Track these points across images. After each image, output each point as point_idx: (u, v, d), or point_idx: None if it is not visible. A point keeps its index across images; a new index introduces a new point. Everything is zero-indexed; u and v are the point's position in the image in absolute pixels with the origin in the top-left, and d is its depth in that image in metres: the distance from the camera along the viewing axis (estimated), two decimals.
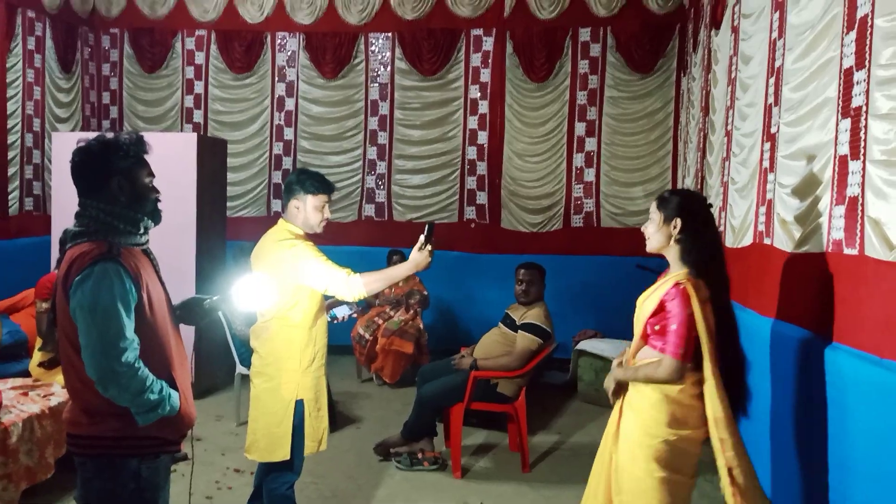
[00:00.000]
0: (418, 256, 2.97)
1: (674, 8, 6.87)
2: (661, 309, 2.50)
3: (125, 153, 2.13)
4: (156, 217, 2.21)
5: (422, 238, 3.00)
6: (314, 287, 3.00)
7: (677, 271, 2.53)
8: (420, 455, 4.39)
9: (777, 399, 2.97)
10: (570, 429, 5.27)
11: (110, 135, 2.16)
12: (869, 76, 2.30)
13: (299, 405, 3.04)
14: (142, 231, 2.19)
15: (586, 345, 6.04)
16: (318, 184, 3.11)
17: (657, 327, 2.51)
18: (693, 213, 2.54)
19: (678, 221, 2.53)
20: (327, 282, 2.96)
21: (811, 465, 2.56)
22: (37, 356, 4.30)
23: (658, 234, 2.58)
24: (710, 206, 2.66)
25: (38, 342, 4.31)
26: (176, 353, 2.22)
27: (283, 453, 3.04)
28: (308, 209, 3.10)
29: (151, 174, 2.21)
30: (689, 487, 2.56)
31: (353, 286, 2.93)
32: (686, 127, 6.42)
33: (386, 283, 3.11)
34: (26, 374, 4.41)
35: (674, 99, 6.96)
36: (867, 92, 2.30)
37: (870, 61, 2.29)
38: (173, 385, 2.16)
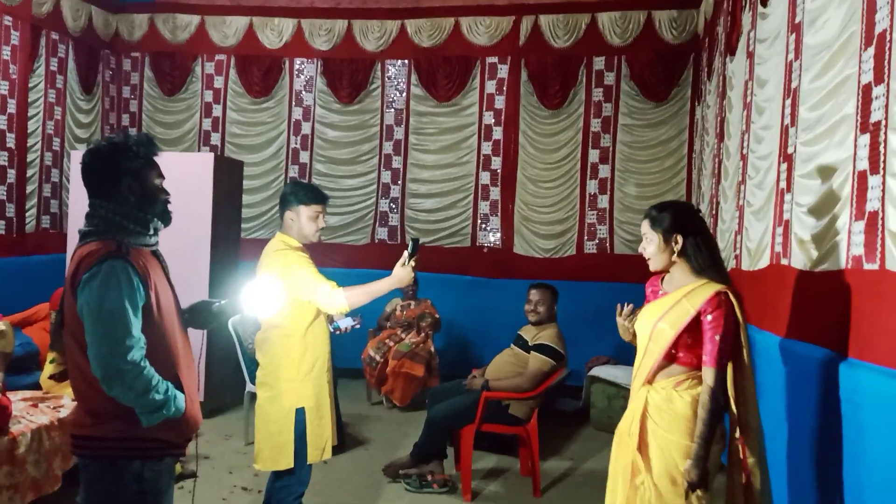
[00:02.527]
0: (401, 272, 3.04)
1: (688, 38, 6.92)
2: (695, 323, 2.43)
3: (134, 154, 2.14)
4: (165, 218, 2.22)
5: (406, 254, 3.06)
6: (300, 297, 3.04)
7: (690, 282, 2.50)
8: (429, 477, 4.33)
9: (794, 419, 2.91)
10: (582, 455, 5.19)
11: (119, 136, 2.17)
12: (888, 90, 2.29)
13: (300, 413, 3.06)
14: (151, 232, 2.18)
15: (599, 371, 5.98)
16: (311, 194, 3.18)
17: (689, 341, 2.45)
18: (690, 225, 2.53)
19: (678, 237, 2.51)
20: (312, 293, 3.02)
21: (828, 485, 2.49)
22: (48, 368, 4.30)
23: (661, 255, 2.55)
24: (699, 210, 2.66)
25: (50, 355, 4.32)
26: (183, 356, 2.21)
27: (286, 462, 3.06)
28: (302, 220, 3.16)
29: (161, 175, 2.22)
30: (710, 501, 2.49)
31: (336, 299, 2.99)
32: (700, 154, 6.42)
33: (368, 298, 3.12)
34: (37, 386, 4.41)
35: (688, 127, 6.97)
36: (886, 106, 2.30)
37: (888, 76, 2.29)
38: (179, 387, 2.14)
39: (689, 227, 2.52)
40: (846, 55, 2.69)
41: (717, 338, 2.38)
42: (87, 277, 2.00)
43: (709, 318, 2.41)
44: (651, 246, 2.56)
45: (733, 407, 2.46)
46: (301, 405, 3.06)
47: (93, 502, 2.11)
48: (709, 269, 2.49)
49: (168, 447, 2.15)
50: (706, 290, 2.45)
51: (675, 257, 2.52)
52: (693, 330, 2.44)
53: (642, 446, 2.50)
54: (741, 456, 2.43)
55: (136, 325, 2.02)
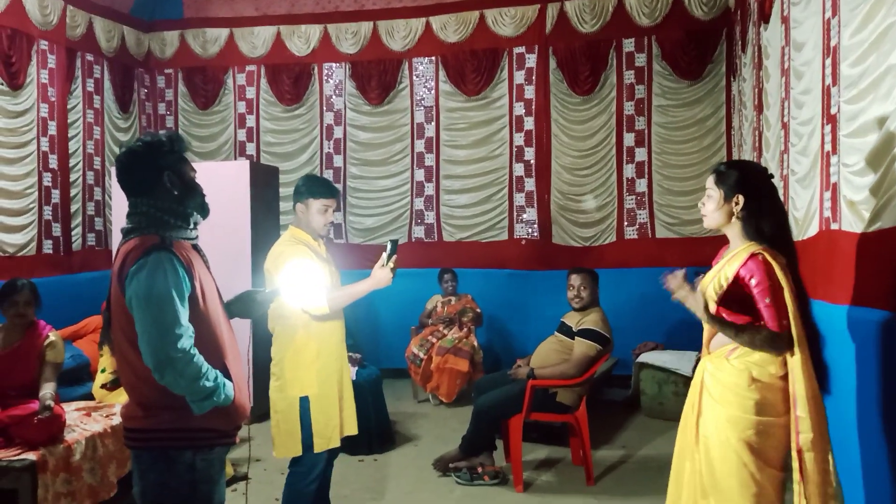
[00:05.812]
0: (380, 273, 3.08)
1: (718, 13, 6.76)
2: (737, 287, 2.36)
3: (170, 149, 2.20)
4: (204, 211, 2.27)
5: (384, 255, 3.09)
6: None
7: (740, 246, 2.42)
8: (480, 469, 4.29)
9: (863, 391, 2.77)
10: (634, 443, 5.09)
11: (150, 136, 2.23)
12: None
13: (304, 401, 3.07)
14: (191, 226, 2.24)
15: (648, 357, 5.87)
16: (322, 188, 3.23)
17: (736, 307, 2.37)
18: (755, 187, 2.43)
19: (740, 198, 2.42)
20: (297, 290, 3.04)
21: None
22: (100, 378, 4.39)
23: (718, 213, 2.47)
24: (772, 175, 2.56)
25: (101, 365, 4.40)
26: (229, 345, 2.24)
27: (296, 449, 3.09)
28: (312, 212, 3.20)
29: (194, 170, 2.28)
30: (780, 481, 2.38)
31: (317, 299, 3.03)
32: (739, 130, 6.26)
33: (348, 300, 3.15)
34: (90, 396, 4.50)
35: (725, 104, 6.80)
36: None
37: None
38: (227, 375, 2.17)
39: (754, 189, 2.43)
40: (888, 3, 2.56)
41: (768, 300, 2.29)
42: (135, 269, 2.05)
43: (752, 282, 2.32)
44: (710, 202, 2.49)
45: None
46: (305, 393, 3.08)
47: (147, 493, 2.14)
48: (761, 235, 2.40)
49: (218, 436, 2.18)
50: (743, 253, 2.38)
51: (733, 219, 2.44)
52: (737, 295, 2.35)
53: (699, 421, 2.43)
54: (795, 432, 2.31)
55: (185, 314, 2.07)
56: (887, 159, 2.56)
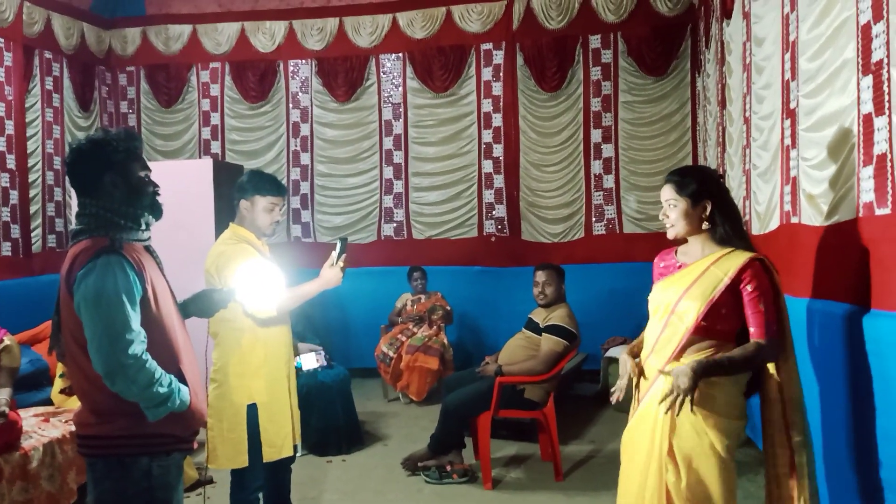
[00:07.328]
0: (329, 273, 2.95)
1: (683, 9, 6.80)
2: (729, 292, 2.29)
3: (115, 148, 2.10)
4: (156, 211, 2.18)
5: (333, 254, 2.97)
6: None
7: (714, 251, 2.37)
8: (449, 468, 4.27)
9: (821, 383, 2.81)
10: (603, 437, 5.11)
11: (99, 133, 2.15)
12: (888, 27, 2.20)
13: (252, 409, 2.92)
14: (143, 227, 2.16)
15: (616, 352, 5.90)
16: (269, 184, 3.02)
17: (723, 311, 2.30)
18: (718, 191, 2.41)
19: (708, 203, 2.36)
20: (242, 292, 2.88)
21: (862, 445, 2.40)
22: (58, 383, 4.29)
23: (685, 221, 2.38)
24: (722, 175, 2.57)
25: (59, 370, 4.30)
26: (184, 349, 2.17)
27: (241, 460, 2.93)
28: (257, 210, 3.00)
29: (146, 168, 2.18)
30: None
31: (264, 302, 2.87)
32: (704, 125, 6.32)
33: (297, 301, 3.02)
34: (48, 402, 4.39)
35: (690, 100, 6.85)
36: (887, 43, 2.21)
37: (888, 11, 2.20)
38: (182, 380, 2.10)
39: (717, 193, 2.40)
40: None
41: (762, 306, 2.25)
42: (83, 274, 1.97)
43: (749, 287, 2.27)
44: (675, 212, 2.40)
45: (776, 376, 2.32)
46: (252, 401, 2.93)
47: (103, 501, 2.08)
48: (733, 237, 2.37)
49: (175, 441, 2.12)
50: (735, 257, 2.31)
51: (703, 224, 2.38)
52: (727, 299, 2.29)
53: (672, 431, 2.32)
54: (786, 435, 2.30)
55: (136, 318, 2.00)
56: (844, 153, 2.60)
